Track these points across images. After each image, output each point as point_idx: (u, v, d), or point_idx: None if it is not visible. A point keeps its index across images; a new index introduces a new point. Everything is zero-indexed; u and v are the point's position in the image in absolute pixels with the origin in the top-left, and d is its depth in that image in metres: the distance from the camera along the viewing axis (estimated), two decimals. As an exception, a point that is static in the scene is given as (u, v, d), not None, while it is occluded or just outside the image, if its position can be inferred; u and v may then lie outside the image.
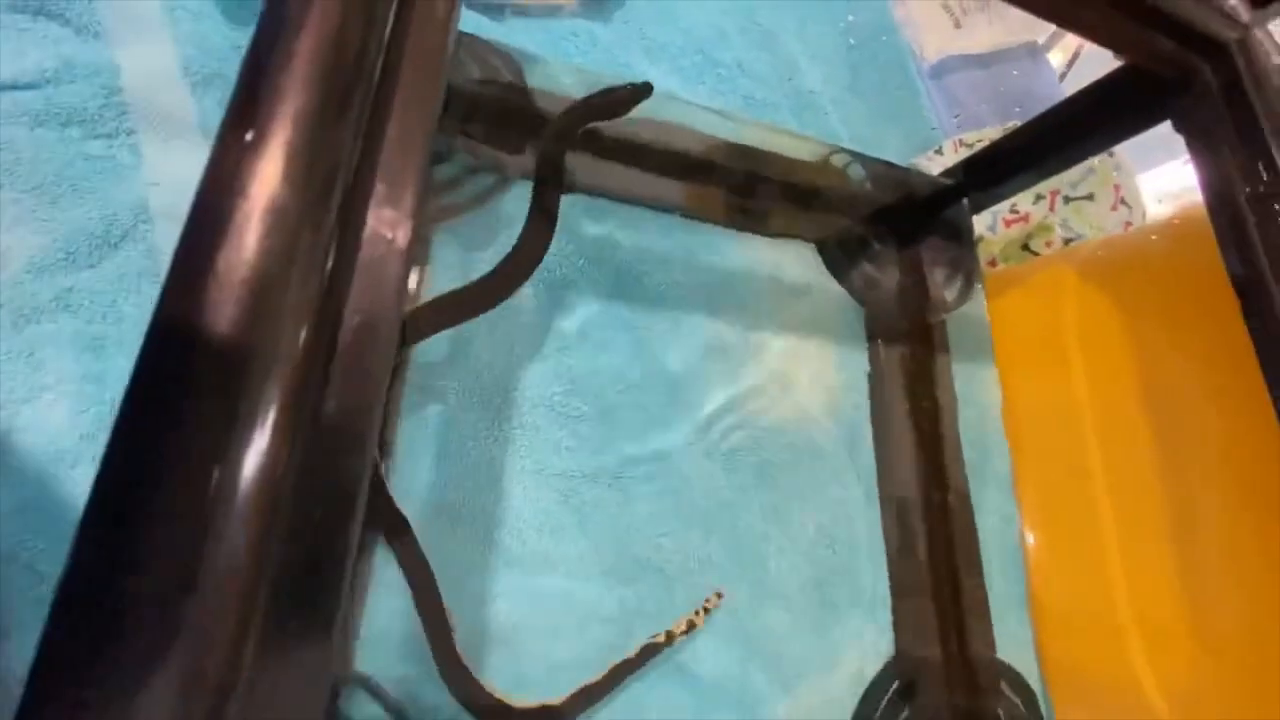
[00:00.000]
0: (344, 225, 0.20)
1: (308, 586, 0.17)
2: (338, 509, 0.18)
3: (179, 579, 0.15)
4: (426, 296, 0.39)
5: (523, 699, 0.35)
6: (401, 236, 0.21)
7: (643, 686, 0.38)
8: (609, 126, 0.47)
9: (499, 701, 0.34)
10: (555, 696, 0.36)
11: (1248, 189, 0.33)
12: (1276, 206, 0.32)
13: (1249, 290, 0.34)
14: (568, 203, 0.45)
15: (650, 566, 0.40)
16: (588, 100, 0.45)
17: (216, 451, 0.16)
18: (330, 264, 0.19)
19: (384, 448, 0.36)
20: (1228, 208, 0.35)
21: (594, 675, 0.37)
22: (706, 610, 0.40)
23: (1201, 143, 0.37)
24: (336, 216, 0.19)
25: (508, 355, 0.41)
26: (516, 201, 0.43)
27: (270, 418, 0.17)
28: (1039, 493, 0.48)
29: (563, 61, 0.49)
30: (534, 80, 0.45)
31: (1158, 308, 0.45)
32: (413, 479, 0.36)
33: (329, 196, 0.19)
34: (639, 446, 0.42)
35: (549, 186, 0.44)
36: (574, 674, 0.36)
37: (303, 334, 0.18)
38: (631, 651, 0.38)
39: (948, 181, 0.55)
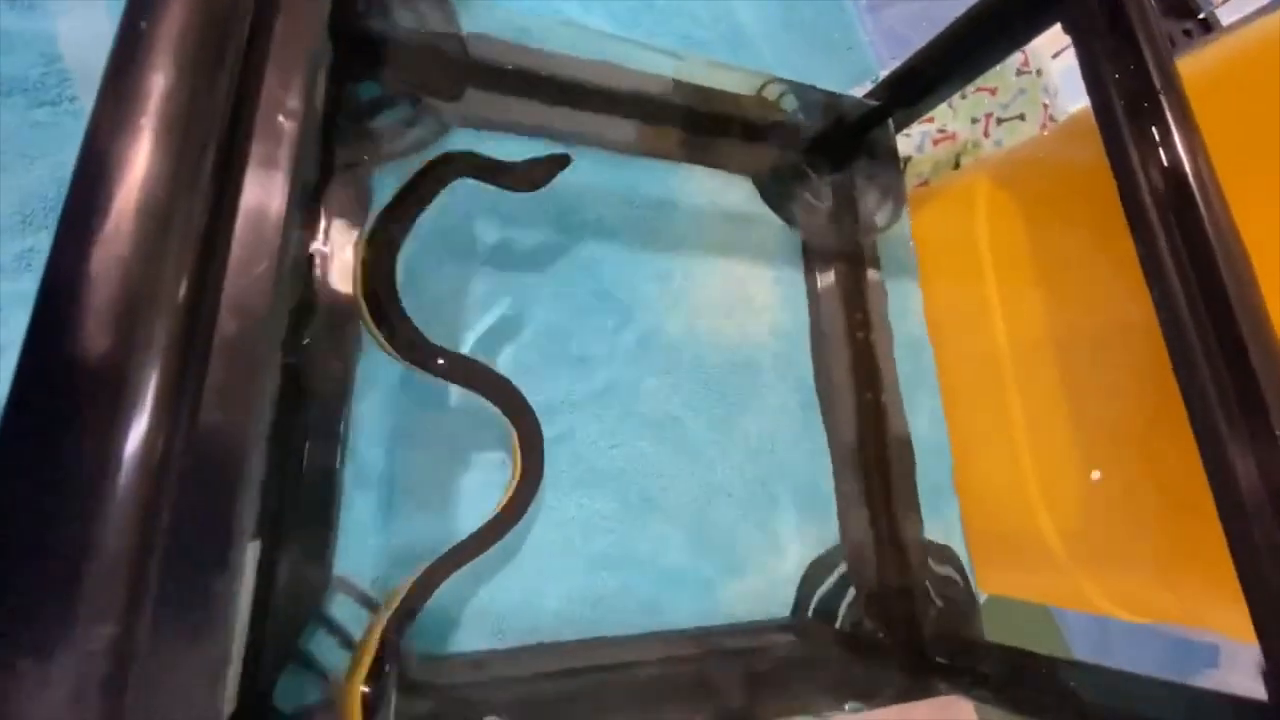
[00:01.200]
0: (219, 192, 0.20)
1: (200, 560, 0.18)
2: (227, 478, 0.18)
3: (68, 550, 0.16)
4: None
5: (479, 592, 0.39)
6: (277, 201, 0.21)
7: (606, 575, 0.42)
8: (545, 65, 0.49)
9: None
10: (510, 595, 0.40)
11: (1117, 76, 0.37)
12: (1139, 92, 0.36)
13: (1123, 176, 0.37)
14: (509, 142, 0.47)
15: (605, 474, 0.44)
16: (504, 166, 0.43)
17: (99, 430, 0.17)
18: (207, 229, 0.19)
19: (342, 383, 0.39)
20: (1103, 100, 0.38)
21: (556, 573, 0.41)
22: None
23: (1084, 43, 0.40)
24: (211, 182, 0.20)
25: (458, 284, 0.43)
26: (461, 138, 0.45)
27: (151, 389, 0.17)
28: (959, 387, 0.52)
29: (496, 5, 0.50)
30: (468, 25, 0.47)
31: (1056, 202, 0.48)
32: (369, 403, 0.39)
33: (202, 163, 0.20)
34: (588, 367, 0.46)
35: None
36: (535, 569, 0.40)
37: (181, 296, 0.18)
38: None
39: (873, 102, 0.58)
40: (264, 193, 0.21)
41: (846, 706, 0.39)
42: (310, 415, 0.37)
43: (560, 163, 0.44)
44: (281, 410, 0.35)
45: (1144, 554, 0.38)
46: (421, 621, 0.37)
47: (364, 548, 0.37)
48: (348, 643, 0.35)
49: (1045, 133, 0.51)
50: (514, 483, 0.39)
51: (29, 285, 0.38)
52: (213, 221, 0.20)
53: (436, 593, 0.37)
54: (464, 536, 0.37)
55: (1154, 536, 0.38)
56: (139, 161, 0.19)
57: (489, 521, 0.38)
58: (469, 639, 0.37)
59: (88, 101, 0.43)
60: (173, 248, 0.19)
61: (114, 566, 0.17)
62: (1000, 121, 0.69)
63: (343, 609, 0.36)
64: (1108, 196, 0.38)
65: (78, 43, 0.43)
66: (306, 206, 0.40)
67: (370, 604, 0.36)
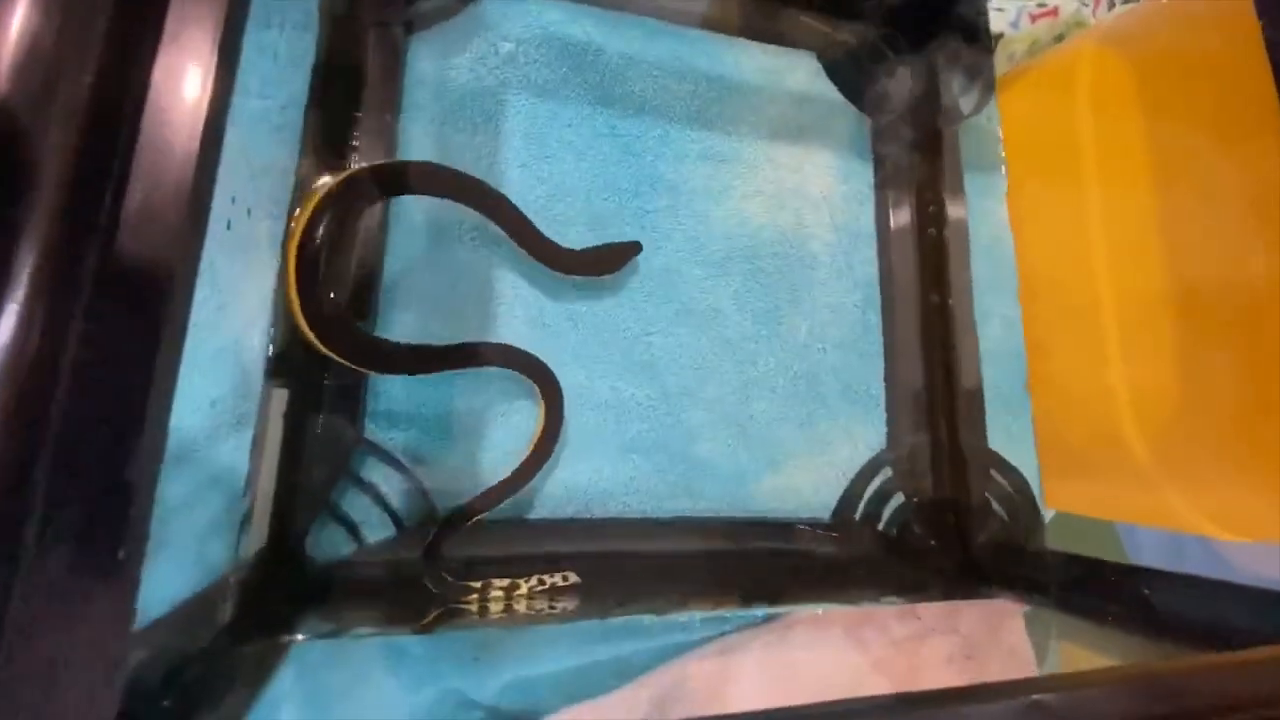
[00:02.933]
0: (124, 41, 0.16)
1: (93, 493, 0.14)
2: (131, 382, 0.15)
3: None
4: (404, 114, 0.40)
5: (510, 463, 0.38)
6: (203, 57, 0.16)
7: (638, 458, 0.41)
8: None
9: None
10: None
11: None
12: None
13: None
14: (549, 8, 0.44)
15: (640, 361, 0.42)
16: (579, 255, 0.41)
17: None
18: (98, 85, 0.15)
19: (373, 250, 0.38)
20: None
21: (587, 452, 0.40)
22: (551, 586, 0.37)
23: None
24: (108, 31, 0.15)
25: (490, 161, 0.41)
26: (494, 4, 0.43)
27: (25, 276, 0.14)
28: (1042, 289, 0.46)
29: None
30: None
31: (1180, 80, 0.41)
32: (401, 280, 0.39)
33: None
34: (627, 251, 0.43)
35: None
36: (566, 447, 0.40)
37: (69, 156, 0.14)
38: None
39: (961, -35, 0.51)
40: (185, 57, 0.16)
41: (883, 600, 0.37)
42: (340, 274, 0.36)
43: (633, 250, 0.41)
44: (311, 267, 0.35)
45: (1251, 464, 0.33)
46: (444, 488, 0.37)
47: (395, 416, 0.37)
48: (379, 500, 0.36)
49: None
50: (537, 434, 0.38)
51: None
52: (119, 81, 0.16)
53: (464, 457, 0.37)
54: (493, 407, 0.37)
55: (1266, 444, 0.33)
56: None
57: (513, 472, 0.37)
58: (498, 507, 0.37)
59: None
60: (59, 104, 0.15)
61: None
62: (1114, 5, 0.60)
63: (373, 470, 0.36)
64: (1248, 73, 0.32)
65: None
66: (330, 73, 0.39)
67: (401, 469, 0.36)
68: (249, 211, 0.31)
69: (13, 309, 0.13)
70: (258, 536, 0.31)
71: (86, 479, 0.14)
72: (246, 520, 0.30)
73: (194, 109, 0.16)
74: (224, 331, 0.35)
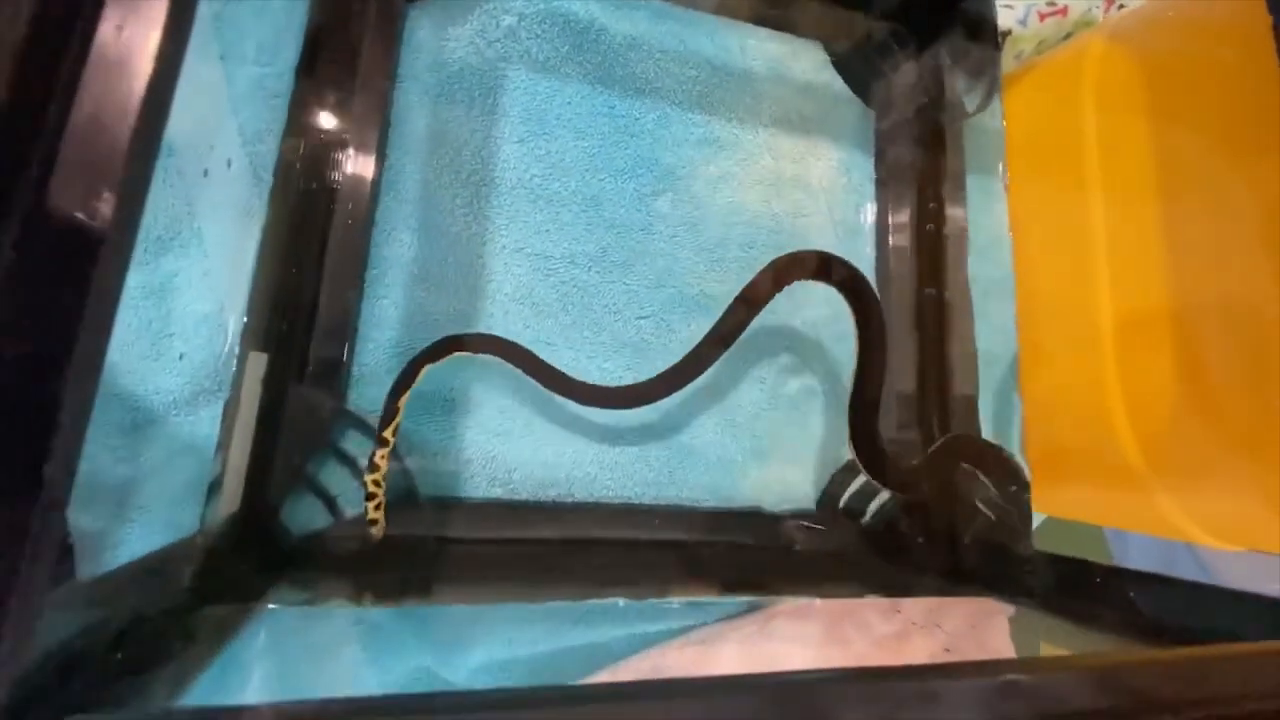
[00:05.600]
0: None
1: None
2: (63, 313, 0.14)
3: None
4: (399, 84, 0.40)
5: (489, 440, 0.38)
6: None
7: (624, 441, 0.40)
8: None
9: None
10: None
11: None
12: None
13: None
14: (550, -14, 0.44)
15: (630, 343, 0.42)
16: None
17: None
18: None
19: (361, 220, 0.37)
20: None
21: (571, 432, 0.39)
22: None
23: None
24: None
25: (485, 135, 0.41)
26: (495, -20, 0.42)
27: None
28: (1039, 290, 0.46)
29: None
30: None
31: (1191, 81, 0.40)
32: (390, 249, 0.38)
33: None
34: (620, 234, 0.43)
35: None
36: (549, 425, 0.39)
37: None
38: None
39: (971, -40, 0.50)
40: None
41: (867, 598, 0.36)
42: (330, 243, 0.36)
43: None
44: (296, 235, 0.35)
45: (1246, 472, 0.33)
46: (426, 465, 0.36)
47: (378, 387, 0.36)
48: (359, 474, 0.35)
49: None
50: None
51: None
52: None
53: (446, 436, 0.37)
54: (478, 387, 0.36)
55: (1262, 453, 0.32)
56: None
57: None
58: (474, 486, 0.37)
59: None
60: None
61: None
62: (1124, 6, 0.59)
63: (353, 442, 0.35)
64: (1260, 80, 0.31)
65: None
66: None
67: (381, 440, 0.36)
68: (229, 162, 0.30)
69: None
70: (229, 502, 0.30)
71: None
72: (216, 485, 0.30)
73: (142, 61, 0.15)
74: (207, 297, 0.35)
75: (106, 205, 0.15)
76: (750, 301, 0.39)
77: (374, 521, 0.32)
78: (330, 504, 0.34)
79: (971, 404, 0.45)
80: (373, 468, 0.33)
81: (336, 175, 0.37)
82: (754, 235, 0.46)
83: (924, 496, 0.40)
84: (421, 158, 0.40)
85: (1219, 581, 0.55)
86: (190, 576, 0.26)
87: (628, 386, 0.38)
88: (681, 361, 0.38)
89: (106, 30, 0.15)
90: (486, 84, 0.41)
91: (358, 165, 0.38)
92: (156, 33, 0.15)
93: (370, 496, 0.32)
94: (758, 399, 0.43)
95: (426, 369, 0.35)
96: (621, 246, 0.43)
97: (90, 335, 0.14)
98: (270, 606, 0.29)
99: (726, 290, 0.44)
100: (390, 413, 0.34)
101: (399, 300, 0.38)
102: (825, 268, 0.39)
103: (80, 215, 0.14)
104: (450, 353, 0.35)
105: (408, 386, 0.34)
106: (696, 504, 0.40)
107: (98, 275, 0.14)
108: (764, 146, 0.47)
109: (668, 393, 0.38)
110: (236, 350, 0.32)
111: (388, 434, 0.33)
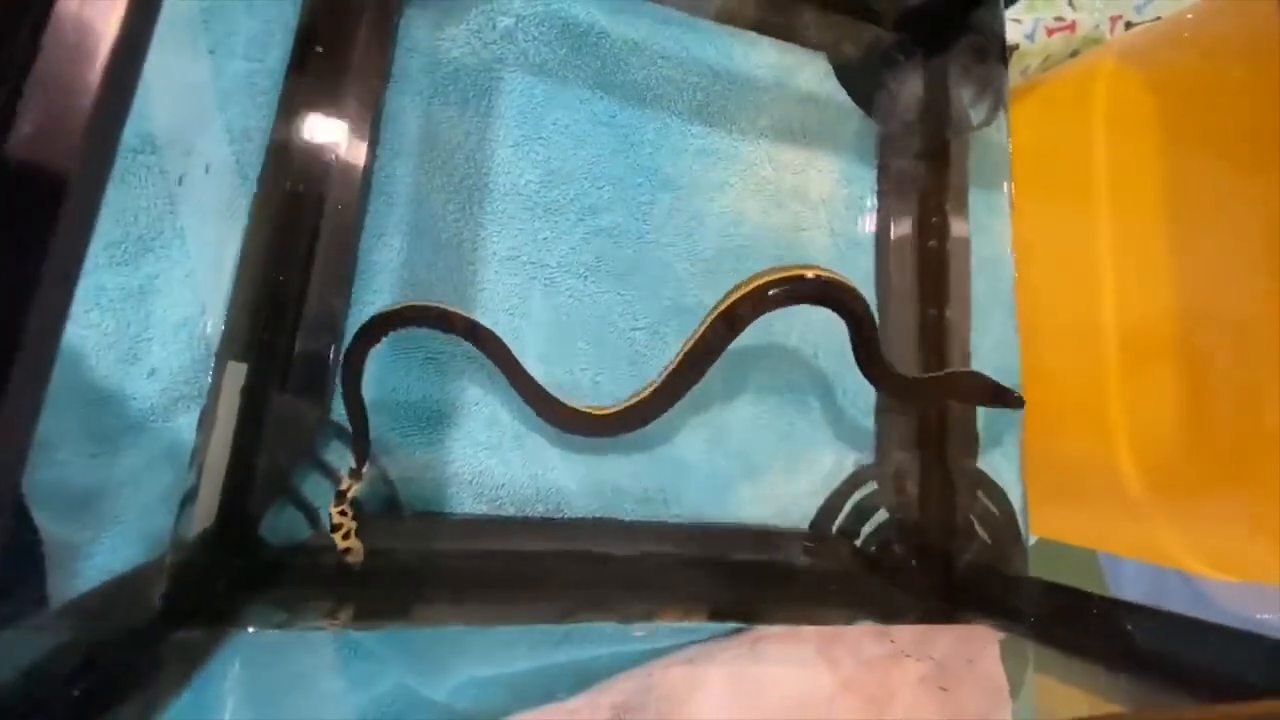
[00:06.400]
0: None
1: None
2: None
3: None
4: (392, 83, 0.39)
5: (477, 455, 0.37)
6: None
7: (614, 457, 0.39)
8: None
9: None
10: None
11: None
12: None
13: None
14: (551, -13, 0.43)
15: (623, 356, 0.41)
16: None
17: None
18: None
19: (350, 224, 0.37)
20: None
21: (561, 448, 0.38)
22: None
23: None
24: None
25: (479, 138, 0.40)
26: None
27: None
28: (1042, 310, 0.45)
29: None
30: None
31: (1204, 102, 0.40)
32: (379, 255, 0.37)
33: None
34: (616, 242, 0.42)
35: None
36: (539, 440, 0.38)
37: None
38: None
39: (981, -28, 0.49)
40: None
41: (856, 622, 0.35)
42: (317, 247, 0.35)
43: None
44: (282, 237, 0.34)
45: (1246, 504, 0.32)
46: (411, 477, 0.35)
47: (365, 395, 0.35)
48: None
49: (1196, 3, 0.41)
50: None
51: None
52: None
53: (433, 448, 0.36)
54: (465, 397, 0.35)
55: (1264, 486, 0.32)
56: None
57: None
58: (460, 501, 0.36)
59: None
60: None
61: None
62: (1130, 26, 0.58)
63: (337, 454, 0.35)
64: (1270, 103, 0.30)
65: None
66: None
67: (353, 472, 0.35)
68: (180, 179, 0.29)
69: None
70: (205, 515, 0.30)
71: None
72: (191, 497, 0.29)
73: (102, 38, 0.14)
74: (188, 300, 0.34)
75: (61, 188, 0.14)
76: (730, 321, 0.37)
77: (347, 550, 0.32)
78: (312, 517, 0.33)
79: (971, 422, 0.45)
80: (339, 498, 0.32)
81: (325, 177, 0.36)
82: (752, 246, 0.45)
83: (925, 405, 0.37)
84: (413, 161, 0.39)
85: (1212, 606, 0.54)
86: (160, 597, 0.25)
87: (606, 415, 0.37)
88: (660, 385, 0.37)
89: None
90: (482, 86, 0.40)
91: (347, 167, 0.37)
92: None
93: (335, 528, 0.31)
94: (753, 414, 0.42)
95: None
96: (617, 256, 0.42)
97: (44, 316, 0.13)
98: (249, 630, 0.28)
99: (723, 303, 0.44)
100: (361, 451, 0.33)
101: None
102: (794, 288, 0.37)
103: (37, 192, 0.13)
104: (385, 332, 0.34)
105: (358, 379, 0.33)
106: (688, 521, 0.40)
107: (52, 260, 0.13)
108: (765, 157, 0.47)
109: (642, 423, 0.36)
110: (213, 358, 0.31)
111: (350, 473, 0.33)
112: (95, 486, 0.31)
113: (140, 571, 0.26)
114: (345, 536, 0.31)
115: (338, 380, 0.34)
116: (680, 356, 0.37)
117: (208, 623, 0.25)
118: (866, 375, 0.38)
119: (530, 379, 0.36)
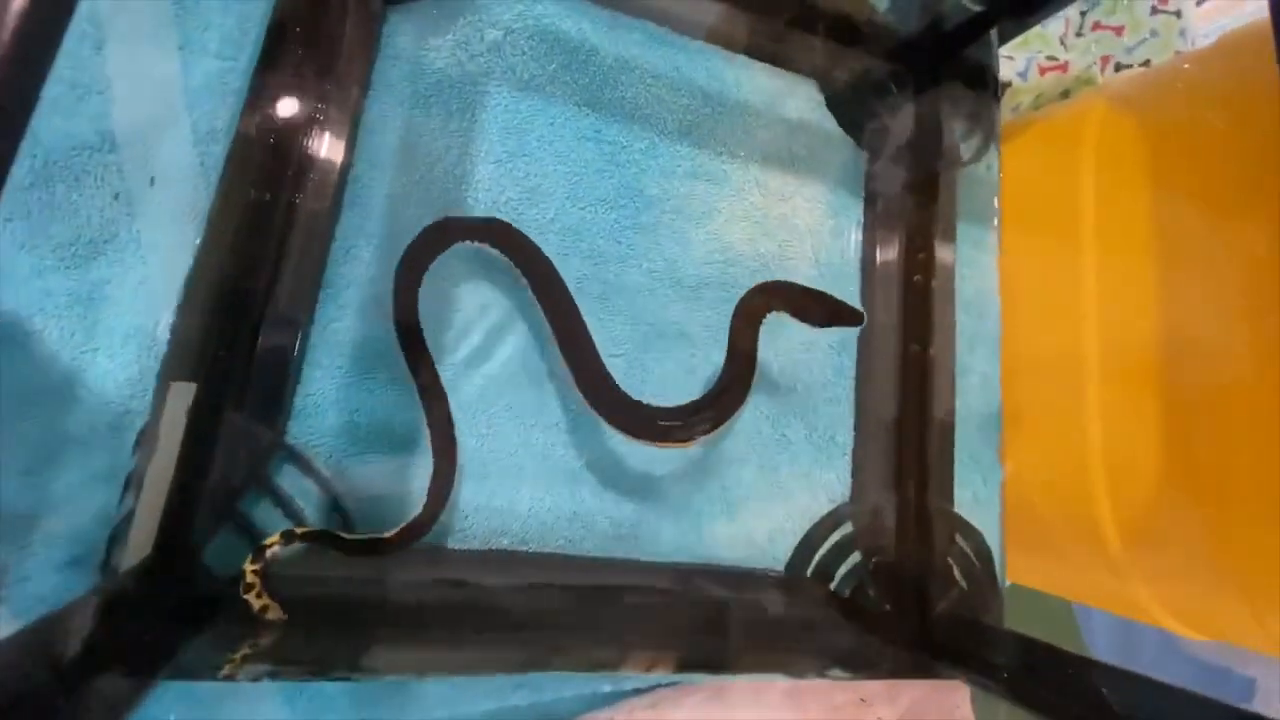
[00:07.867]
0: None
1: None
2: None
3: None
4: (373, 91, 0.37)
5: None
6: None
7: (586, 490, 0.38)
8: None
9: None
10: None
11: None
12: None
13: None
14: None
15: (599, 383, 0.39)
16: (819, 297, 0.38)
17: None
18: None
19: (320, 234, 0.35)
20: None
21: (531, 479, 0.37)
22: None
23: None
24: None
25: (461, 152, 0.39)
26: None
27: None
28: (1026, 353, 0.45)
29: None
30: None
31: (1191, 149, 0.40)
32: (349, 268, 0.35)
33: None
34: (598, 265, 0.41)
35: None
36: (510, 471, 0.37)
37: None
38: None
39: (977, 7, 0.49)
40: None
41: (829, 673, 0.34)
42: (283, 258, 0.33)
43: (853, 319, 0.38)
44: (244, 245, 0.32)
45: (1222, 567, 0.32)
46: (365, 508, 0.34)
47: (322, 421, 0.34)
48: (292, 515, 0.32)
49: (1188, 54, 0.41)
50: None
51: None
52: None
53: (390, 476, 0.34)
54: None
55: (1239, 549, 0.31)
56: None
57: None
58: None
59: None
60: None
61: None
62: (1120, 68, 0.59)
63: (291, 481, 0.33)
64: (1258, 153, 0.30)
65: None
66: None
67: (321, 481, 0.33)
68: (152, 181, 0.27)
69: None
70: (141, 544, 0.28)
71: None
72: (125, 524, 0.27)
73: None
74: (139, 309, 0.32)
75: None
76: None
77: (265, 608, 0.29)
78: (259, 551, 0.31)
79: (949, 463, 0.44)
80: (256, 555, 0.29)
81: (295, 184, 0.34)
82: (736, 274, 0.44)
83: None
84: (390, 172, 0.37)
85: (1181, 654, 0.54)
86: (86, 640, 0.23)
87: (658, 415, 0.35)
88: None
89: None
90: (466, 99, 0.39)
91: (320, 175, 0.35)
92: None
93: (248, 588, 0.29)
94: (730, 447, 0.41)
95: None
96: (598, 279, 0.41)
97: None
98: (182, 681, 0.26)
99: (704, 330, 0.43)
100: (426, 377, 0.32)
101: (353, 325, 0.35)
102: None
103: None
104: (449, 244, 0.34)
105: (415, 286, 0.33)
106: (660, 560, 0.38)
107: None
108: (753, 182, 0.46)
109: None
110: (157, 373, 0.29)
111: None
112: (28, 508, 0.29)
113: (67, 606, 0.24)
114: (259, 596, 0.29)
115: (391, 290, 0.33)
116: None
117: (137, 669, 0.23)
118: None
119: (597, 359, 0.35)
